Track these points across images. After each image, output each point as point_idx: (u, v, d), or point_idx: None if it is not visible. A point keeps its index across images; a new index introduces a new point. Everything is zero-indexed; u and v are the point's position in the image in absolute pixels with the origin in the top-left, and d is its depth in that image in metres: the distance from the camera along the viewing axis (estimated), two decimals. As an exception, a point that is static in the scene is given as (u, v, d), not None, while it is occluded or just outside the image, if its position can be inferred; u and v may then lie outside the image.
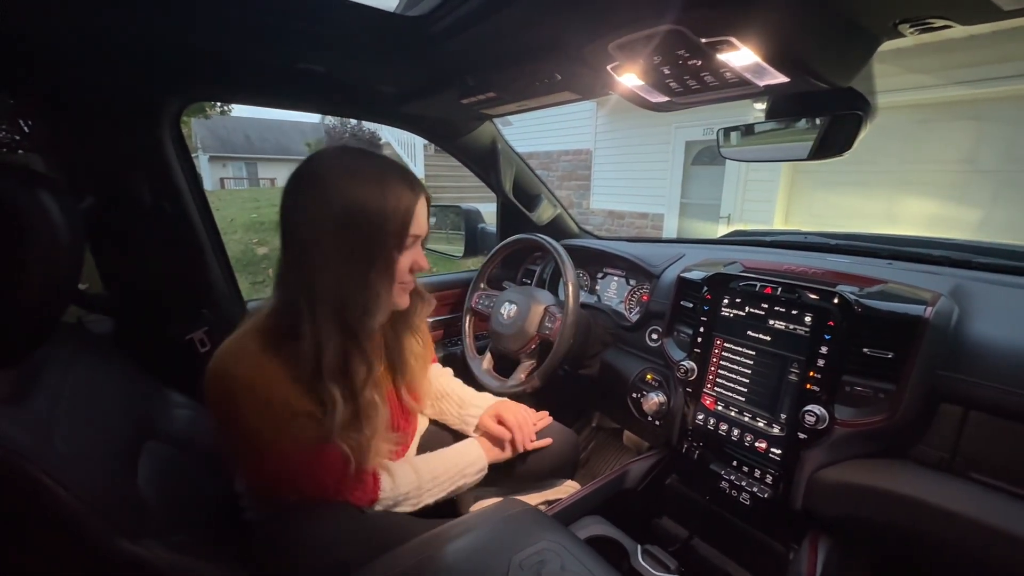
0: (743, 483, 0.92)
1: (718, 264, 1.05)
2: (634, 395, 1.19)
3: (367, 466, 0.78)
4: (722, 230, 5.18)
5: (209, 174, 18.08)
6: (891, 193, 4.27)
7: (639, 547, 0.96)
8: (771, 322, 0.90)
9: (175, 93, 1.05)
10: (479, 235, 1.67)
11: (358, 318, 0.71)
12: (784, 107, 0.83)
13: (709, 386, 0.98)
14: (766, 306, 0.91)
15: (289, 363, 0.69)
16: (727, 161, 4.99)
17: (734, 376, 0.94)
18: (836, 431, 0.80)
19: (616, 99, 1.07)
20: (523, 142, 7.88)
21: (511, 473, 1.05)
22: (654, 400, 1.11)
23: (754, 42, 0.61)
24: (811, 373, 0.83)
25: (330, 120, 13.06)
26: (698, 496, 1.04)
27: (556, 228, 1.71)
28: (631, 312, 1.42)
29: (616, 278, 1.50)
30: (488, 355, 1.44)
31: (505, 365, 1.39)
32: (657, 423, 1.12)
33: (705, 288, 1.00)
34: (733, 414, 0.94)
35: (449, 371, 1.17)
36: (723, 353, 0.97)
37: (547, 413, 1.12)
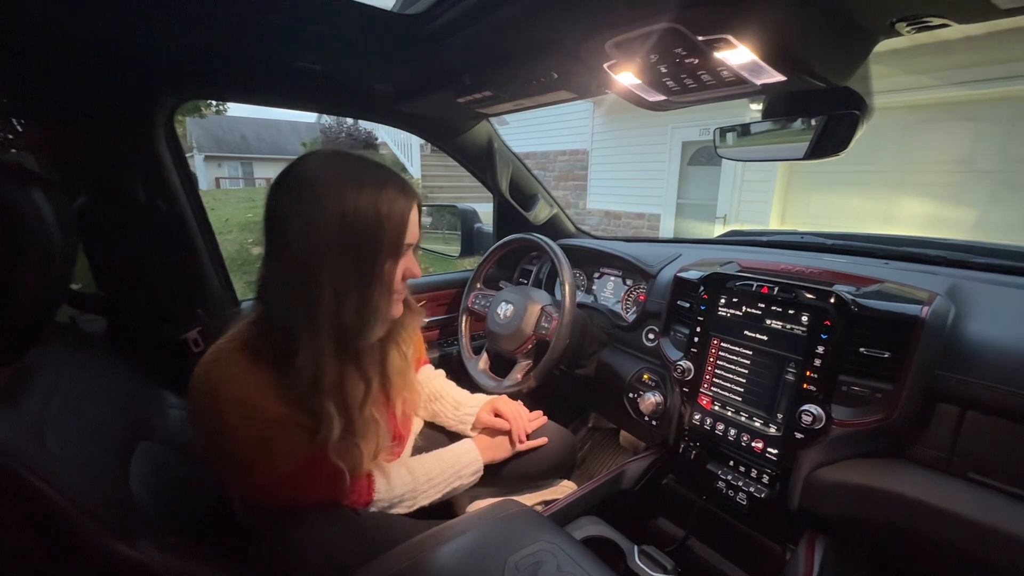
0: (740, 483, 0.92)
1: (715, 264, 1.05)
2: (631, 395, 1.19)
3: (361, 474, 0.77)
4: (718, 230, 5.20)
5: (204, 174, 18.00)
6: (887, 193, 4.28)
7: (636, 547, 0.95)
8: (768, 322, 0.89)
9: (168, 91, 1.04)
10: (475, 235, 1.67)
11: (356, 333, 0.69)
12: (780, 107, 0.83)
13: (706, 386, 0.98)
14: (763, 306, 0.91)
15: (276, 374, 0.67)
16: (723, 161, 5.02)
17: (731, 376, 0.94)
18: (833, 431, 0.79)
19: (613, 99, 1.07)
20: (520, 142, 7.88)
21: (507, 474, 1.04)
22: (651, 400, 1.11)
23: (751, 40, 0.61)
24: (808, 373, 0.83)
25: (326, 119, 13.04)
26: (695, 496, 1.04)
27: (553, 228, 1.71)
28: (628, 312, 1.42)
29: (613, 278, 1.50)
30: (484, 355, 1.43)
31: (501, 365, 1.38)
32: (654, 423, 1.12)
33: (702, 288, 1.00)
34: (730, 414, 0.94)
35: (441, 373, 1.16)
36: (720, 353, 0.96)
37: (541, 412, 1.12)
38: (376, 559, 0.67)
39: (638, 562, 0.92)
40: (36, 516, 0.50)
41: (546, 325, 1.27)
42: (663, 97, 0.86)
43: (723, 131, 0.95)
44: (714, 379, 0.97)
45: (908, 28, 0.59)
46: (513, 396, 1.17)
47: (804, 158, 0.81)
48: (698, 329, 1.00)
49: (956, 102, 3.83)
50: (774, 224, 5.05)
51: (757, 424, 0.89)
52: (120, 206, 1.01)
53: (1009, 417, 0.68)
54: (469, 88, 1.05)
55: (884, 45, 0.66)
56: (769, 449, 0.87)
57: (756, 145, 0.92)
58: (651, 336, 1.22)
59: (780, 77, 0.67)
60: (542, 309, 1.29)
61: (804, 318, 0.85)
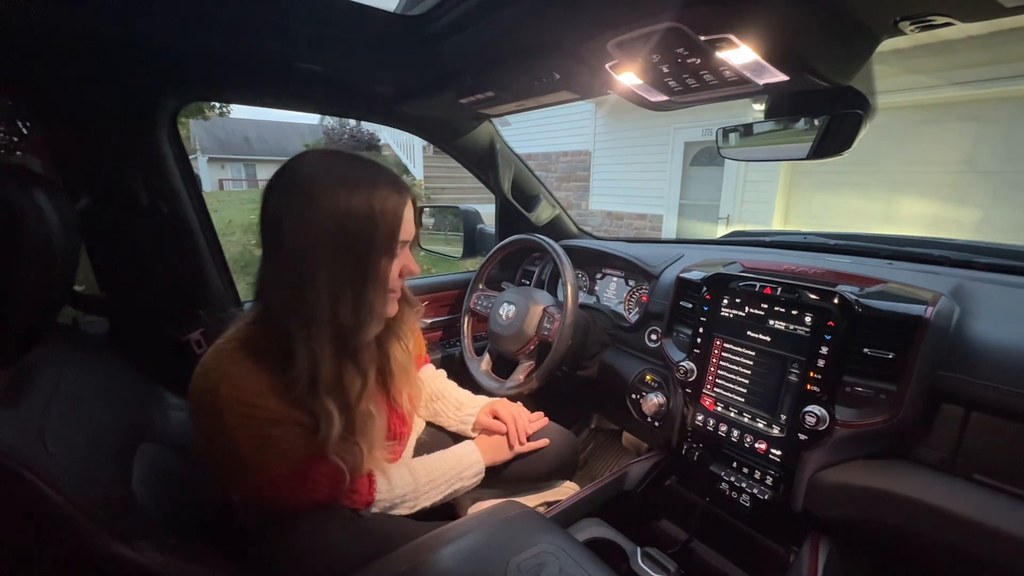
0: (743, 484, 0.91)
1: (717, 264, 1.05)
2: (633, 396, 1.18)
3: (362, 474, 0.76)
4: (721, 231, 5.19)
5: (208, 175, 18.08)
6: (890, 194, 4.27)
7: (638, 549, 0.95)
8: (771, 322, 0.89)
9: (172, 93, 1.04)
10: (478, 236, 1.67)
11: (353, 332, 0.69)
12: (783, 107, 0.83)
13: (709, 387, 0.98)
14: (766, 306, 0.90)
15: (276, 374, 0.67)
16: (726, 162, 5.02)
17: (734, 377, 0.94)
18: (837, 432, 0.79)
19: (615, 99, 1.07)
20: (522, 143, 7.88)
21: (509, 475, 1.04)
22: (653, 401, 1.10)
23: (754, 40, 0.60)
24: (811, 373, 0.82)
25: (329, 121, 13.06)
26: (698, 498, 1.04)
27: (555, 229, 1.71)
28: (630, 313, 1.41)
29: (615, 279, 1.50)
30: (487, 356, 1.43)
31: (504, 366, 1.38)
32: (656, 424, 1.12)
33: (704, 288, 1.00)
34: (733, 415, 0.93)
35: (442, 373, 1.16)
36: (723, 354, 0.96)
37: (542, 414, 1.12)
38: (377, 560, 0.67)
39: (641, 564, 0.92)
40: (36, 517, 0.50)
41: (548, 326, 1.26)
42: (665, 97, 0.85)
43: (726, 131, 0.95)
44: (717, 380, 0.97)
45: (912, 27, 0.59)
46: (515, 397, 1.17)
47: (807, 158, 0.81)
48: (701, 330, 1.00)
49: (958, 102, 3.82)
50: (777, 224, 5.05)
51: (760, 425, 0.89)
52: (123, 208, 1.01)
53: (1013, 418, 0.67)
54: (471, 89, 1.05)
55: (886, 45, 0.65)
56: (772, 450, 0.87)
57: (759, 145, 0.91)
58: (654, 337, 1.22)
59: (783, 77, 0.67)
60: (544, 310, 1.29)
61: (807, 318, 0.84)
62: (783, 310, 0.88)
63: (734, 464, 0.93)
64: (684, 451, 1.02)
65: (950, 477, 0.72)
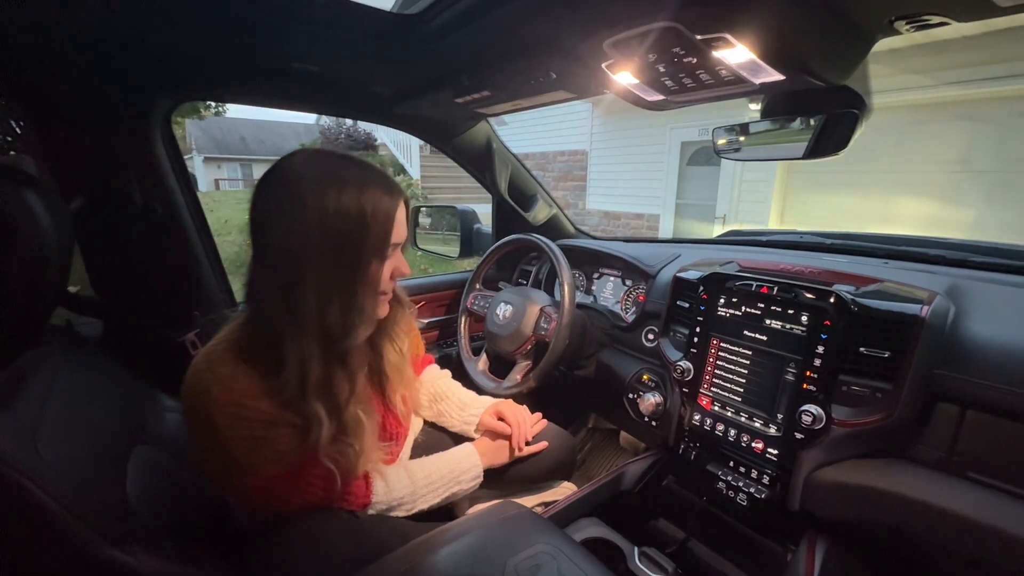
0: (740, 484, 0.91)
1: (714, 264, 1.05)
2: (630, 396, 1.18)
3: (356, 475, 0.76)
4: (718, 230, 5.20)
5: (204, 175, 18.02)
6: (886, 193, 4.29)
7: (636, 549, 0.95)
8: (767, 322, 0.89)
9: (166, 92, 1.04)
10: (475, 236, 1.66)
11: (341, 335, 0.69)
12: (779, 106, 0.83)
13: (706, 386, 0.98)
14: (762, 306, 0.90)
15: (266, 376, 0.66)
16: (722, 161, 5.04)
17: (731, 376, 0.94)
18: (833, 431, 0.79)
19: (612, 99, 1.07)
20: (519, 142, 7.88)
21: (507, 476, 1.04)
22: (651, 401, 1.10)
23: (750, 39, 0.60)
24: (808, 373, 0.82)
25: (325, 120, 13.05)
26: (695, 497, 1.04)
27: (552, 228, 1.71)
28: (627, 312, 1.41)
29: (612, 278, 1.50)
30: (484, 356, 1.43)
31: (501, 366, 1.38)
32: (654, 424, 1.12)
33: (701, 288, 1.00)
34: (730, 414, 0.94)
35: (447, 373, 1.16)
36: (719, 353, 0.96)
37: (540, 415, 1.12)
38: (376, 562, 0.67)
39: (638, 564, 0.92)
40: (29, 522, 0.50)
41: (545, 326, 1.26)
42: (662, 97, 0.85)
43: (722, 131, 0.95)
44: (714, 379, 0.97)
45: (907, 27, 0.59)
46: (512, 398, 1.17)
47: (803, 157, 0.81)
48: (698, 329, 1.00)
49: (953, 102, 3.84)
50: (773, 224, 5.06)
51: (757, 424, 0.89)
52: (117, 208, 1.00)
53: (1009, 416, 0.68)
54: (467, 88, 1.04)
55: (882, 44, 0.65)
56: (769, 449, 0.87)
57: (755, 145, 0.92)
58: (651, 336, 1.22)
59: (779, 76, 0.67)
60: (541, 310, 1.29)
61: (804, 318, 0.84)
62: (780, 309, 0.88)
63: (731, 463, 0.94)
64: (681, 450, 1.02)
65: (946, 476, 0.72)
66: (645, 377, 1.16)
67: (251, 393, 0.66)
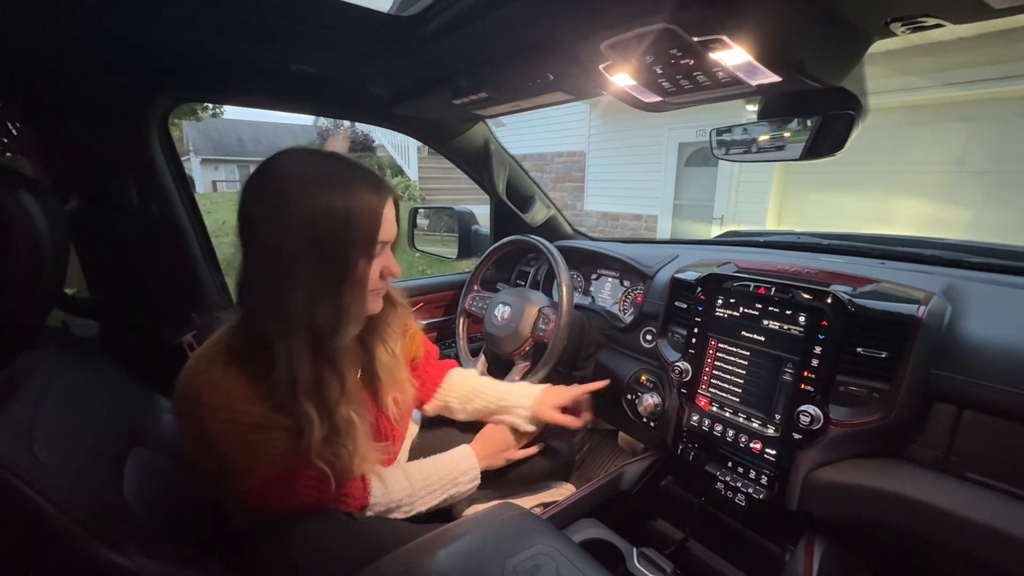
0: (738, 484, 0.91)
1: (712, 265, 1.05)
2: (629, 396, 1.18)
3: (352, 476, 0.76)
4: (715, 231, 5.22)
5: (201, 177, 17.96)
6: (883, 194, 4.30)
7: (635, 550, 0.95)
8: (765, 322, 0.89)
9: (162, 94, 1.03)
10: (472, 237, 1.66)
11: (330, 335, 0.68)
12: (776, 108, 0.84)
13: (704, 387, 0.98)
14: (760, 306, 0.90)
15: (258, 379, 0.66)
16: (720, 162, 5.05)
17: (729, 377, 0.94)
18: (831, 431, 0.79)
19: (609, 100, 1.07)
20: (517, 144, 7.88)
21: (506, 477, 1.04)
22: (649, 401, 1.10)
23: (746, 41, 0.61)
24: (805, 373, 0.83)
25: (323, 122, 13.04)
26: (694, 498, 1.04)
27: (550, 229, 1.71)
28: (625, 313, 1.42)
29: (610, 279, 1.50)
30: (482, 357, 1.43)
31: (499, 367, 1.38)
32: (652, 424, 1.12)
33: (699, 289, 1.00)
34: (728, 415, 0.94)
35: (473, 371, 1.13)
36: (717, 354, 0.96)
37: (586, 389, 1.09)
38: (373, 563, 0.67)
39: (637, 565, 0.92)
40: (25, 525, 0.49)
41: (543, 327, 1.26)
42: (659, 98, 0.86)
43: (719, 132, 0.95)
44: (712, 380, 0.97)
45: (903, 28, 0.59)
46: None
47: (800, 159, 0.81)
48: (696, 330, 1.00)
49: (950, 103, 3.86)
50: (771, 224, 5.07)
51: (755, 425, 0.89)
52: (113, 209, 1.00)
53: (1005, 416, 0.68)
54: (465, 90, 1.04)
55: (878, 46, 0.66)
56: (767, 450, 0.87)
57: (752, 146, 0.92)
58: (649, 337, 1.22)
59: (775, 78, 0.67)
60: (539, 311, 1.29)
61: (801, 318, 0.85)
62: (777, 310, 0.88)
63: (729, 464, 0.94)
64: (680, 451, 1.02)
65: (943, 475, 0.73)
66: (643, 378, 1.17)
67: (243, 397, 0.65)
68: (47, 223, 0.63)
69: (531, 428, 1.01)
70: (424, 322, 1.60)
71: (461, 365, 1.40)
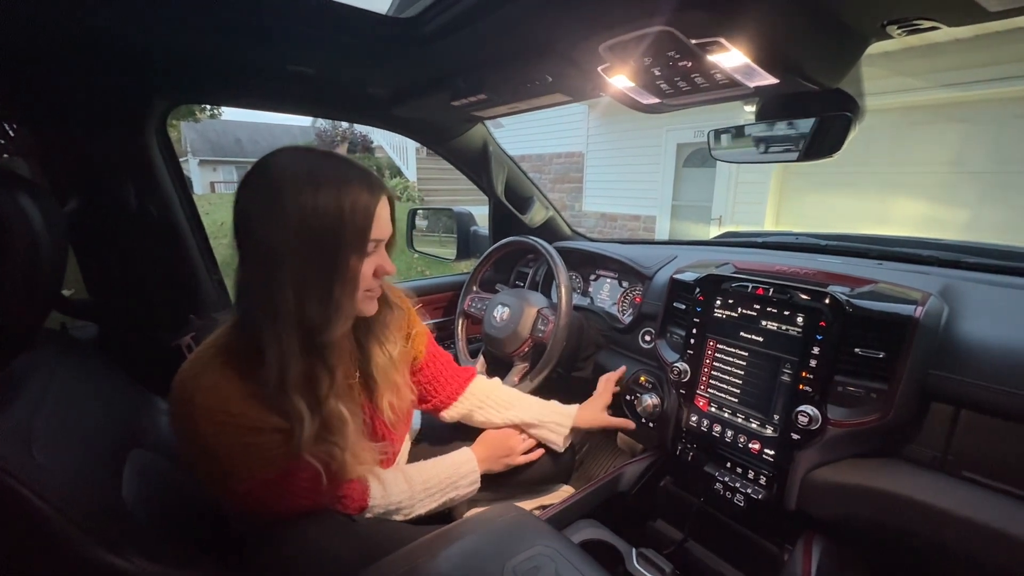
0: (737, 484, 0.92)
1: (710, 265, 1.05)
2: (628, 397, 1.18)
3: (347, 476, 0.75)
4: (714, 231, 5.22)
5: (199, 178, 17.93)
6: (880, 194, 4.32)
7: (634, 550, 0.95)
8: (763, 323, 0.90)
9: (161, 95, 1.03)
10: (471, 238, 1.67)
11: (320, 330, 0.68)
12: (774, 109, 0.84)
13: (702, 388, 0.98)
14: (758, 307, 0.91)
15: (251, 379, 0.66)
16: (718, 163, 5.06)
17: (727, 377, 0.94)
18: (829, 431, 0.80)
19: (608, 102, 1.08)
20: (515, 145, 7.88)
21: (505, 478, 1.04)
22: (648, 402, 1.11)
23: (744, 43, 0.61)
24: (803, 373, 0.83)
25: (321, 123, 13.04)
26: (692, 498, 1.04)
27: (548, 230, 1.71)
28: (624, 314, 1.42)
29: (609, 280, 1.50)
30: (481, 358, 1.43)
31: (498, 368, 1.38)
32: (651, 425, 1.12)
33: (698, 289, 1.00)
34: (726, 415, 0.94)
35: (496, 380, 1.13)
36: (716, 354, 0.97)
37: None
38: (373, 565, 0.67)
39: (636, 565, 0.92)
40: (23, 527, 0.49)
41: (542, 328, 1.26)
42: (657, 100, 0.86)
43: (717, 133, 0.95)
44: (710, 381, 0.97)
45: (899, 30, 0.60)
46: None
47: (797, 160, 0.81)
48: (694, 331, 1.00)
49: (946, 104, 3.87)
50: (769, 225, 5.08)
51: (754, 425, 0.89)
52: (111, 211, 1.00)
53: (1002, 416, 0.68)
54: (463, 91, 1.05)
55: (875, 47, 0.66)
56: (766, 450, 0.88)
57: (750, 147, 0.92)
58: (647, 338, 1.22)
59: (773, 80, 0.68)
60: (538, 312, 1.29)
61: (799, 319, 0.85)
62: (775, 311, 0.88)
63: (728, 464, 0.94)
64: (679, 452, 1.03)
65: (941, 475, 0.73)
66: (642, 379, 1.17)
67: (236, 399, 0.65)
68: (45, 224, 0.63)
69: (565, 444, 1.06)
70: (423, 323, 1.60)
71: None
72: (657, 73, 0.75)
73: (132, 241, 1.03)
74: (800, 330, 0.84)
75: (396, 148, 9.42)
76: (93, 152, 0.98)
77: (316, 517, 0.72)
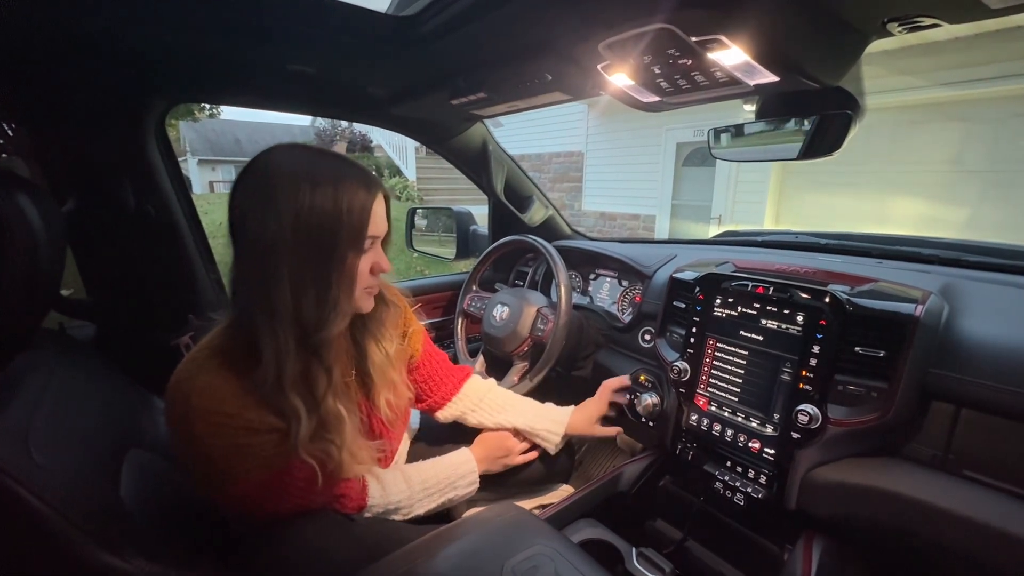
0: (737, 483, 0.91)
1: (710, 264, 1.05)
2: (628, 396, 1.18)
3: (345, 475, 0.75)
4: (713, 231, 5.22)
5: (198, 177, 17.91)
6: (880, 193, 4.32)
7: (633, 550, 0.95)
8: (763, 322, 0.89)
9: (159, 94, 1.03)
10: (471, 237, 1.66)
11: (316, 327, 0.68)
12: (774, 107, 0.84)
13: (702, 387, 0.98)
14: (758, 306, 0.91)
15: (247, 379, 0.66)
16: (718, 162, 5.05)
17: (727, 376, 0.94)
18: (829, 430, 0.79)
19: (607, 100, 1.08)
20: (515, 144, 7.88)
21: (505, 478, 1.04)
22: (648, 401, 1.10)
23: (744, 41, 0.61)
24: (804, 372, 0.83)
25: (321, 122, 13.04)
26: (692, 497, 1.04)
27: (548, 229, 1.71)
28: (624, 313, 1.42)
29: (608, 279, 1.50)
30: (480, 358, 1.43)
31: (498, 367, 1.38)
32: (651, 424, 1.12)
33: (697, 288, 1.00)
34: (726, 414, 0.94)
35: (492, 382, 1.13)
36: (716, 353, 0.96)
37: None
38: (372, 565, 0.67)
39: (636, 565, 0.92)
40: (21, 527, 0.49)
41: (542, 327, 1.26)
42: (657, 98, 0.86)
43: (717, 132, 0.95)
44: (710, 380, 0.97)
45: (899, 28, 0.60)
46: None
47: (797, 158, 0.81)
48: (694, 330, 1.00)
49: (946, 102, 3.87)
50: (768, 224, 5.08)
51: (754, 424, 0.89)
52: (110, 210, 1.00)
53: (1003, 414, 0.68)
54: (463, 90, 1.04)
55: (875, 46, 0.66)
56: (766, 449, 0.87)
57: (750, 146, 0.92)
58: (647, 337, 1.22)
59: (773, 78, 0.67)
60: (538, 311, 1.29)
61: (799, 318, 0.85)
62: (775, 309, 0.88)
63: (728, 463, 0.94)
64: (678, 451, 1.02)
65: (941, 474, 0.73)
66: (642, 378, 1.16)
67: (232, 399, 0.65)
68: (43, 224, 0.63)
69: (556, 450, 1.07)
70: (422, 323, 1.59)
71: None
72: (657, 71, 0.74)
73: (131, 241, 1.03)
74: (800, 329, 0.84)
75: (395, 147, 9.41)
76: (92, 152, 0.98)
77: (315, 517, 0.72)
